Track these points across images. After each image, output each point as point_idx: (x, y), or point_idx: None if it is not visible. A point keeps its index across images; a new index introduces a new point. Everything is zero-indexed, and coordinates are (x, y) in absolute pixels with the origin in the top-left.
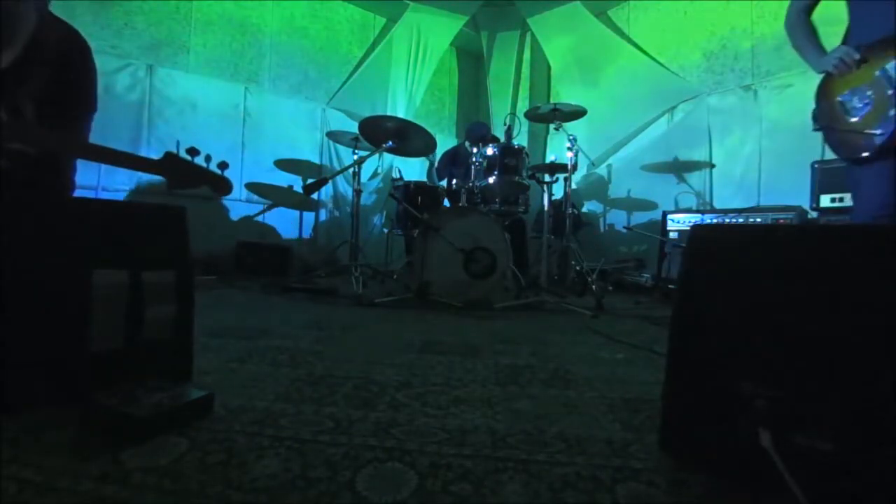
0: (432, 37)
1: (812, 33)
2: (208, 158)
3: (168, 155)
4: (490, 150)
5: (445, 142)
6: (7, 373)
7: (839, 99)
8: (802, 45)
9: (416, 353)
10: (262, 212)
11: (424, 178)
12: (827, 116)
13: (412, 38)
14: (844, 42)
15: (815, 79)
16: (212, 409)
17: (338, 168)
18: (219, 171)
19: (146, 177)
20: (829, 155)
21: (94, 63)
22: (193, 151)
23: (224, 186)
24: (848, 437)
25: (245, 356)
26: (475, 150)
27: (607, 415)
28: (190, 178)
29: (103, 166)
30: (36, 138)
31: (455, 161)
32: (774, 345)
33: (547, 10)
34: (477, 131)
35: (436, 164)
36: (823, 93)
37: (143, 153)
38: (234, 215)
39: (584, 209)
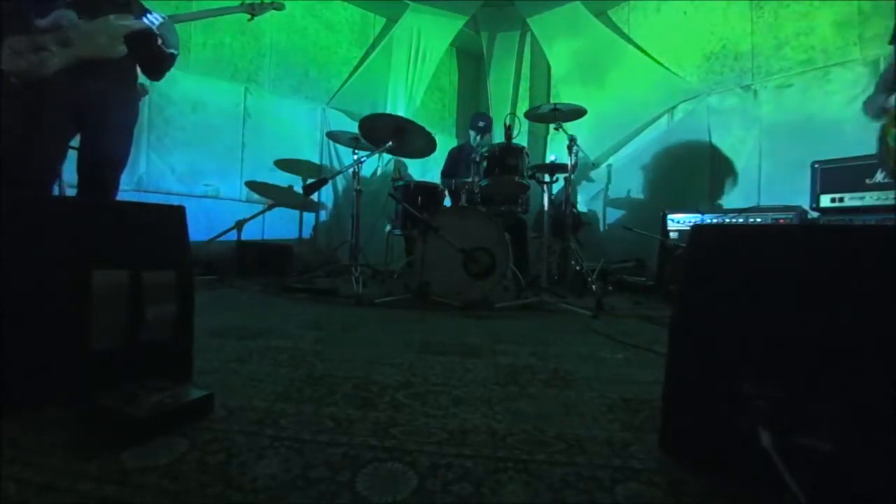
0: (432, 37)
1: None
2: None
3: None
4: (490, 148)
5: (445, 142)
6: (7, 373)
7: None
8: (881, 100)
9: (416, 353)
10: (262, 212)
11: (425, 178)
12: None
13: (412, 38)
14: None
15: (815, 79)
16: (212, 409)
17: (338, 168)
18: None
19: (146, 177)
20: (829, 155)
21: None
22: None
23: None
24: (848, 437)
25: (245, 356)
26: (479, 137)
27: (607, 415)
28: None
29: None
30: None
31: (459, 158)
32: (774, 345)
33: (547, 10)
34: (479, 119)
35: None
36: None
37: (143, 153)
38: (234, 215)
39: (584, 209)
